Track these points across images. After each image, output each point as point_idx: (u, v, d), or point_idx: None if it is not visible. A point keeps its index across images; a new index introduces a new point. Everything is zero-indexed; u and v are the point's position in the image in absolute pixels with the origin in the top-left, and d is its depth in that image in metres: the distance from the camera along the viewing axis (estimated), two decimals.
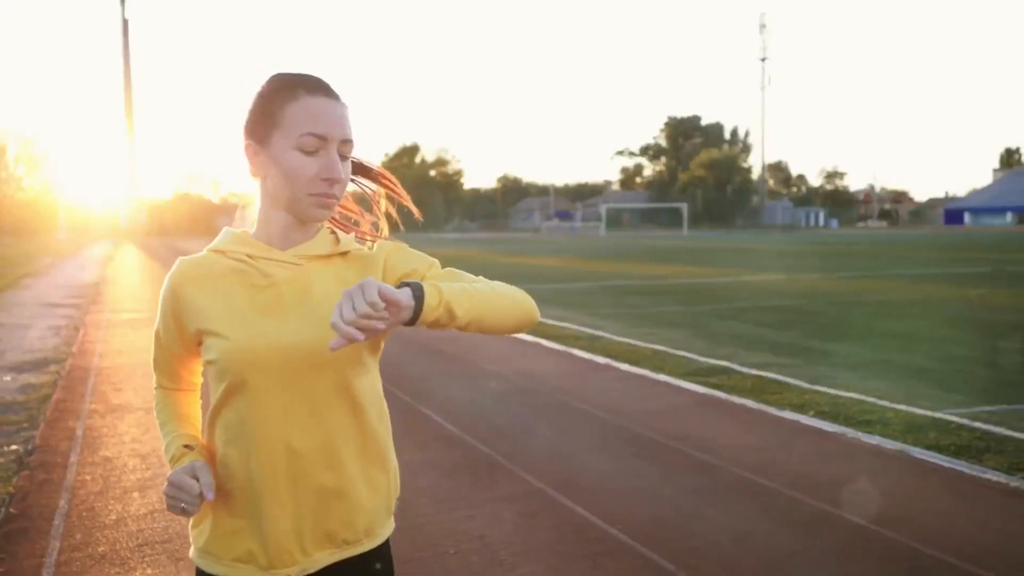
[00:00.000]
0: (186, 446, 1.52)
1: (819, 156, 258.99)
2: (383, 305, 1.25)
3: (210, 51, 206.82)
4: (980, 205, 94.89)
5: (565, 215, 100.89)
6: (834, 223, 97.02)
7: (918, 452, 5.34)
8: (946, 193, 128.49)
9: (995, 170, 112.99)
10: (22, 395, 7.19)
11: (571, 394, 7.13)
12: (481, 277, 1.55)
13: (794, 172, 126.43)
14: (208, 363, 1.50)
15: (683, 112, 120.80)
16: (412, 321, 1.33)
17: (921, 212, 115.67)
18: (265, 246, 1.50)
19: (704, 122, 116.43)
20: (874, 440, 5.63)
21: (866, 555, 3.76)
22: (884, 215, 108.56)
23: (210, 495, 1.41)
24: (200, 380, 1.66)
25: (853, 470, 5.03)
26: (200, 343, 1.51)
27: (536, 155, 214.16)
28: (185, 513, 1.42)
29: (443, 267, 1.58)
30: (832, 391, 7.15)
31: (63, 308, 14.62)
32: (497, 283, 1.54)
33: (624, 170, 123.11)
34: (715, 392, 7.22)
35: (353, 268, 1.54)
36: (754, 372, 8.07)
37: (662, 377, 7.88)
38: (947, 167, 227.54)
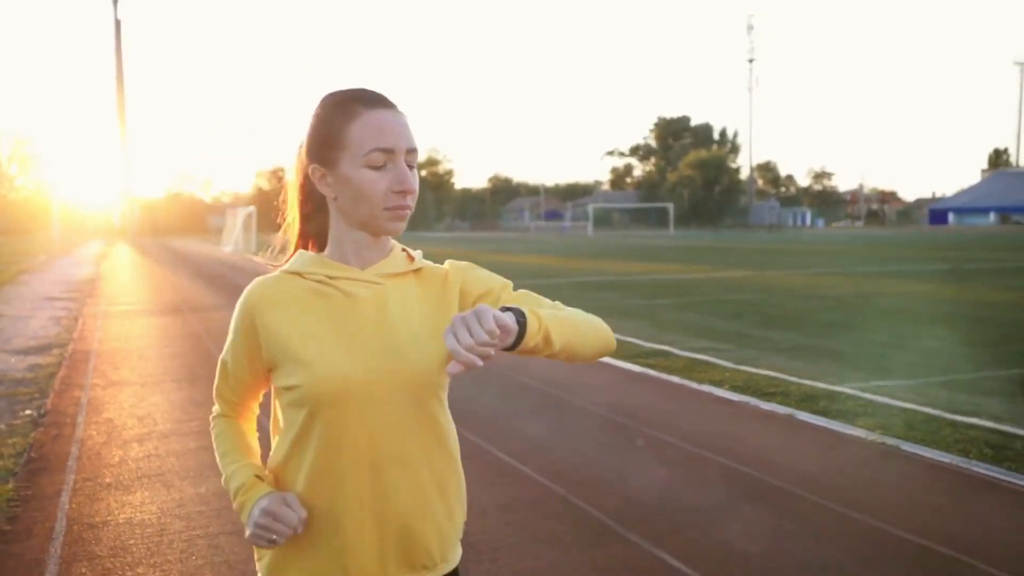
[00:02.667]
0: (257, 476, 1.49)
1: (809, 156, 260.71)
2: (499, 333, 1.26)
3: (202, 51, 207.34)
4: (964, 205, 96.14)
5: (555, 215, 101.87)
6: (821, 223, 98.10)
7: (803, 415, 6.26)
8: (933, 193, 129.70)
9: (983, 170, 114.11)
10: (31, 373, 8.09)
11: (518, 371, 8.05)
12: (557, 302, 1.57)
13: (783, 172, 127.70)
14: (286, 389, 1.46)
15: (673, 113, 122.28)
16: (513, 347, 1.33)
17: (908, 212, 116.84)
18: (343, 266, 1.49)
19: (693, 123, 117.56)
20: (769, 407, 6.55)
21: (724, 485, 4.68)
22: (871, 215, 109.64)
23: (301, 529, 1.41)
24: (257, 408, 1.67)
25: (741, 429, 5.96)
26: (271, 369, 1.50)
27: (527, 155, 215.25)
28: (271, 545, 1.40)
29: (513, 288, 1.59)
30: (752, 369, 8.07)
31: (62, 301, 15.51)
32: (574, 309, 1.55)
33: (614, 170, 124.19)
34: (649, 371, 8.13)
35: (429, 287, 1.54)
36: (689, 355, 8.98)
37: (605, 359, 8.78)
38: (937, 167, 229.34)
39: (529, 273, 22.24)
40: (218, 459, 1.56)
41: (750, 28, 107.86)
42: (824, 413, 6.32)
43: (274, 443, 1.53)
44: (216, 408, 1.62)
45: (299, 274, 1.50)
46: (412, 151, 1.46)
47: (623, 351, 9.21)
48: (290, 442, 1.47)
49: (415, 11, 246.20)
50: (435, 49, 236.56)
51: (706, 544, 3.82)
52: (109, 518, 4.12)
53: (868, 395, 6.90)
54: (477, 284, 1.55)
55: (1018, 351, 9.15)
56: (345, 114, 1.44)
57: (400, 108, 1.48)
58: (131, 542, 3.79)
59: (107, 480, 4.72)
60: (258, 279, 1.52)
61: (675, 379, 7.71)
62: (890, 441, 5.52)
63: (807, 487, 4.59)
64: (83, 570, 3.51)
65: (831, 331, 10.83)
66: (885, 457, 5.25)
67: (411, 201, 1.45)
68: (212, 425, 1.62)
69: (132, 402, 6.77)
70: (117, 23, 77.51)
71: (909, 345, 9.63)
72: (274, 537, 1.38)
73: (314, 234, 1.59)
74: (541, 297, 1.56)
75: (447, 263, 1.59)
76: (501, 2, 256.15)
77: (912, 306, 13.75)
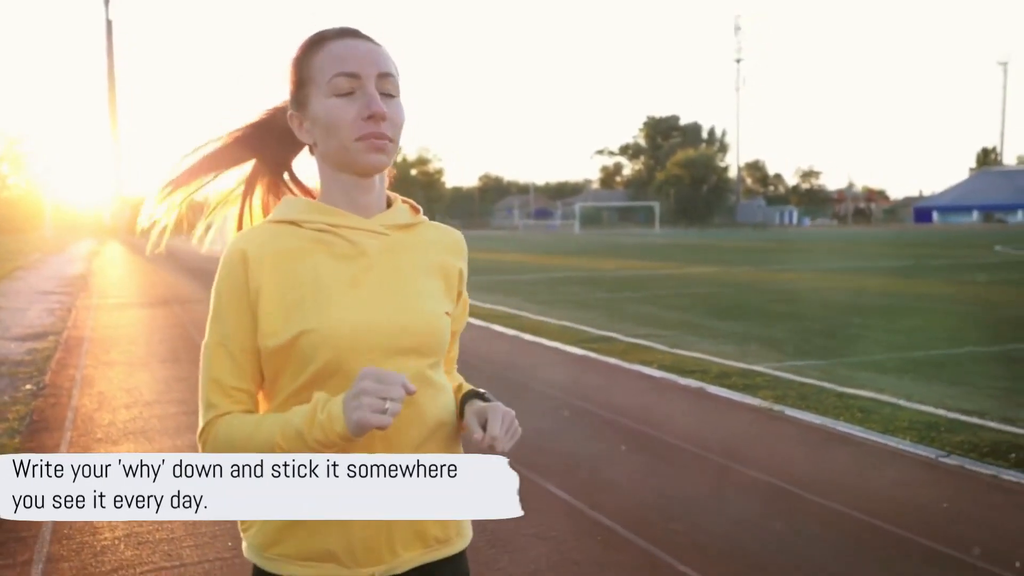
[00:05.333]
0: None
1: (798, 156, 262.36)
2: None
3: (193, 51, 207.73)
4: (948, 203, 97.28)
5: (544, 213, 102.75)
6: (807, 221, 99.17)
7: (712, 388, 7.12)
8: (920, 192, 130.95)
9: (971, 169, 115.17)
10: (29, 356, 8.93)
11: (469, 353, 8.84)
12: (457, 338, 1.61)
13: (772, 171, 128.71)
14: (289, 342, 1.32)
15: (662, 112, 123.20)
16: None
17: (895, 211, 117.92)
18: (347, 214, 1.39)
19: (682, 122, 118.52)
20: (686, 381, 7.41)
21: (621, 439, 5.54)
22: (858, 213, 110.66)
23: (412, 386, 1.23)
24: (259, 406, 1.42)
25: (654, 399, 6.83)
26: (265, 327, 1.34)
27: (517, 154, 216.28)
28: (387, 415, 1.19)
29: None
30: (683, 352, 8.93)
31: (56, 295, 16.34)
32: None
33: (604, 169, 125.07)
34: (590, 354, 8.98)
35: (437, 245, 1.48)
36: (632, 340, 9.83)
37: (553, 343, 9.65)
38: (928, 166, 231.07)
39: (510, 270, 23.06)
40: (246, 442, 1.29)
41: (737, 28, 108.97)
42: (731, 387, 7.18)
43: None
44: (210, 414, 1.35)
45: (294, 223, 1.38)
46: (385, 75, 1.35)
47: (573, 337, 10.05)
48: (290, 397, 1.34)
49: (407, 10, 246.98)
50: (426, 48, 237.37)
51: (588, 480, 4.68)
52: None
53: (778, 373, 7.77)
54: (463, 286, 1.55)
55: (933, 336, 10.03)
56: (312, 47, 1.37)
57: (377, 40, 1.39)
58: None
59: (99, 436, 5.58)
60: (242, 232, 1.40)
61: (611, 360, 8.56)
62: (777, 407, 6.39)
63: (691, 441, 5.46)
64: None
65: (773, 321, 11.68)
66: (769, 419, 6.12)
67: (387, 129, 1.34)
68: (210, 433, 1.34)
69: (121, 378, 7.63)
70: (108, 23, 78.10)
71: (838, 332, 10.50)
72: (387, 405, 1.19)
73: (258, 203, 1.53)
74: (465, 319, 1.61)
75: (456, 236, 1.55)
76: (492, 2, 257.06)
77: (857, 299, 14.60)
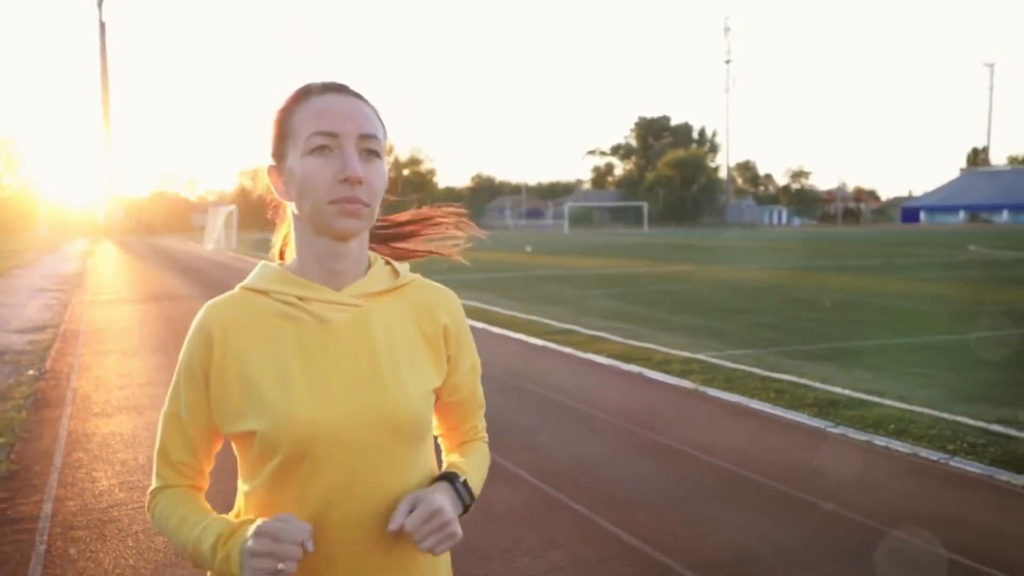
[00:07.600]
0: (234, 526, 1.27)
1: (790, 156, 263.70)
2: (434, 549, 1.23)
3: (186, 52, 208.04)
4: (935, 204, 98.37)
5: (536, 213, 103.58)
6: (796, 221, 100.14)
7: (650, 373, 7.88)
8: (909, 192, 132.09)
9: (961, 169, 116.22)
10: (30, 346, 9.67)
11: None
12: (481, 414, 1.57)
13: (763, 171, 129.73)
14: (243, 435, 1.27)
15: (653, 112, 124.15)
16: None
17: (884, 211, 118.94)
18: (317, 286, 1.31)
19: (673, 122, 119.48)
20: (628, 367, 8.17)
21: (556, 414, 6.30)
22: (848, 213, 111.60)
23: (311, 544, 1.19)
24: (208, 479, 1.40)
25: (596, 382, 7.59)
26: (222, 412, 1.29)
27: (510, 154, 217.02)
28: (280, 575, 1.16)
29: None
30: (637, 343, 9.68)
31: (52, 292, 17.08)
32: (481, 449, 1.53)
33: (596, 169, 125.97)
34: (550, 344, 9.73)
35: (416, 307, 1.39)
36: (592, 333, 10.58)
37: (518, 335, 10.40)
38: (921, 166, 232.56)
39: (491, 268, 23.73)
40: (172, 534, 1.32)
41: (727, 30, 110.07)
42: (668, 371, 7.93)
43: (239, 496, 1.35)
44: (157, 483, 1.37)
45: (264, 293, 1.33)
46: (367, 137, 1.29)
47: (537, 330, 10.80)
48: (255, 493, 1.30)
49: (399, 11, 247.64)
50: (418, 48, 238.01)
51: (519, 446, 5.44)
52: (97, 430, 5.74)
53: (713, 359, 8.53)
54: (461, 352, 1.45)
55: (872, 329, 10.80)
56: (297, 103, 1.31)
57: (363, 96, 1.34)
58: (113, 441, 5.41)
59: (95, 411, 6.34)
60: (211, 302, 1.34)
61: (568, 350, 9.31)
62: (702, 388, 7.16)
63: (618, 415, 6.23)
64: (80, 455, 5.12)
65: (728, 315, 12.43)
66: (691, 398, 6.88)
67: (363, 193, 1.26)
68: (153, 504, 1.36)
69: (115, 365, 8.38)
70: (102, 25, 78.80)
71: (784, 325, 11.27)
72: (281, 567, 1.16)
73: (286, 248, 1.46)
74: (480, 393, 1.54)
75: (444, 294, 1.44)
76: (485, 2, 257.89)
77: (815, 295, 15.34)
